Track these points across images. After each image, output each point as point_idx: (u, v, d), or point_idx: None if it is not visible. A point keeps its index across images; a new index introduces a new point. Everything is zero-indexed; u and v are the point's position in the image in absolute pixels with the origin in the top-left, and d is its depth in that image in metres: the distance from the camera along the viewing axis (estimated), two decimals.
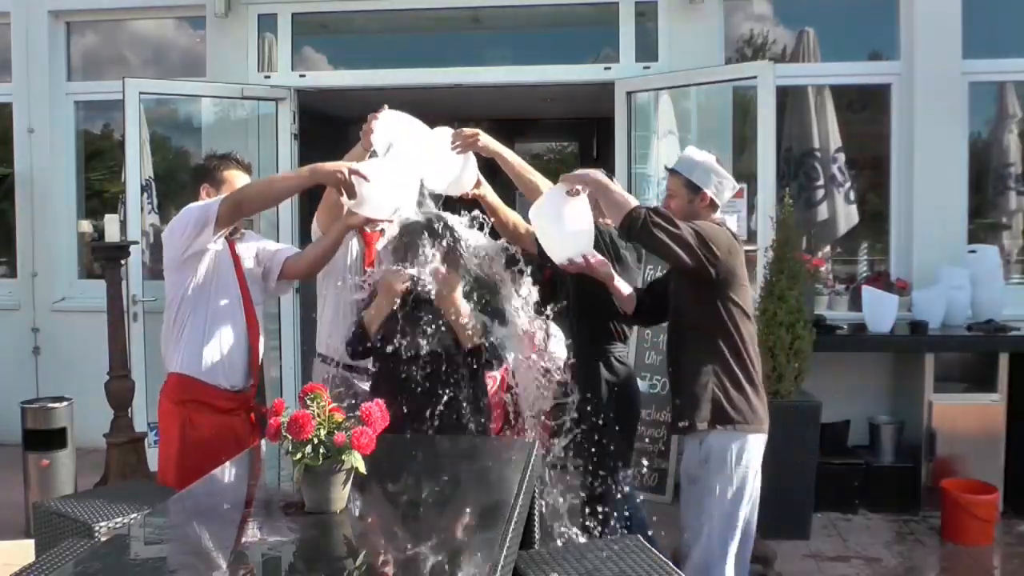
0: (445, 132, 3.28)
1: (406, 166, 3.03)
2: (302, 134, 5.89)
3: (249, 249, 3.25)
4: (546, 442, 3.17)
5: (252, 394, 3.16)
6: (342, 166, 2.87)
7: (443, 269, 2.88)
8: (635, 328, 5.11)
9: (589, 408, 3.15)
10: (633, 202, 2.75)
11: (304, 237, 5.90)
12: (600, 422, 3.13)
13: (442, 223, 2.97)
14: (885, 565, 4.05)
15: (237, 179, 3.15)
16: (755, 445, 2.88)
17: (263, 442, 2.81)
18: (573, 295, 3.17)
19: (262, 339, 3.21)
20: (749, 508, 2.91)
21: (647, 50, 5.49)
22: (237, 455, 2.73)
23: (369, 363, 3.19)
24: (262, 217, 5.69)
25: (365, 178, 2.84)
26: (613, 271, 3.06)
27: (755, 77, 4.91)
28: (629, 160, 5.39)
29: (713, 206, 2.89)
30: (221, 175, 3.15)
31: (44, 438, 4.42)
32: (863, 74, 5.57)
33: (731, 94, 5.38)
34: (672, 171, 2.95)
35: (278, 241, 5.65)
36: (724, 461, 2.84)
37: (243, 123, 5.87)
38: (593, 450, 3.12)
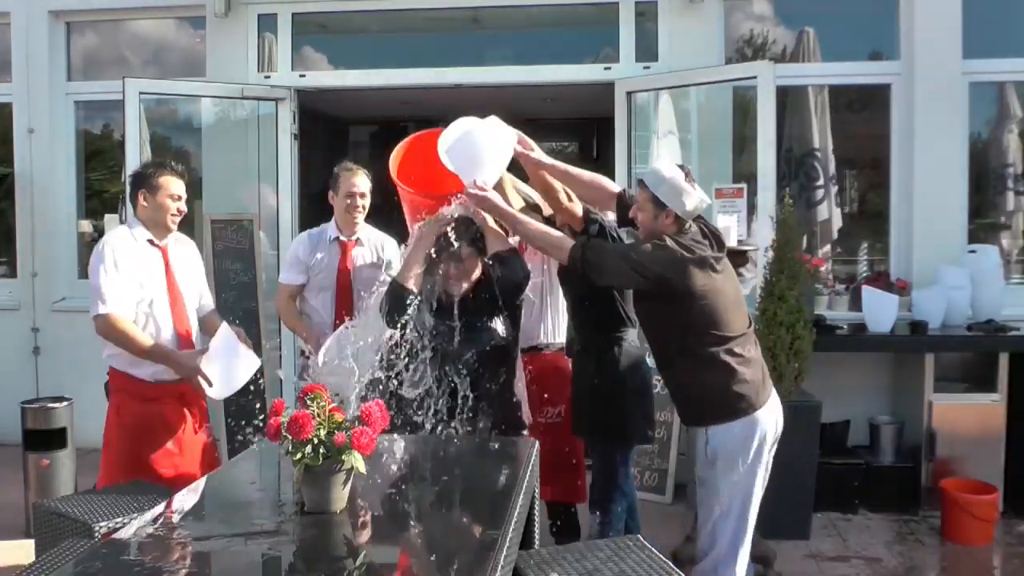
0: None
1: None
2: (302, 134, 5.89)
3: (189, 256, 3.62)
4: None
5: (182, 385, 3.40)
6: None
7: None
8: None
9: (605, 392, 3.22)
10: (567, 242, 2.92)
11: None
12: (619, 406, 3.25)
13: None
14: (885, 565, 4.05)
15: (172, 184, 3.41)
16: (759, 421, 2.91)
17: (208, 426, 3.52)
18: (578, 283, 3.17)
19: (195, 335, 3.53)
20: (764, 475, 3.00)
21: (647, 50, 5.49)
22: (169, 439, 3.35)
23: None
24: (262, 219, 5.70)
25: (209, 383, 3.35)
26: (488, 219, 3.14)
27: (755, 77, 4.91)
28: (629, 160, 5.39)
29: (679, 222, 2.92)
30: (156, 181, 3.40)
31: (44, 438, 4.42)
32: (863, 74, 5.56)
33: (731, 94, 5.38)
34: (641, 182, 2.99)
35: (278, 240, 5.68)
36: (730, 455, 2.90)
37: (243, 123, 5.87)
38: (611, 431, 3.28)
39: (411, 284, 3.00)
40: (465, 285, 3.05)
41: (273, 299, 4.31)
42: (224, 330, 3.46)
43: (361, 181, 3.86)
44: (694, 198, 2.92)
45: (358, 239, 3.88)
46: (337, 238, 3.86)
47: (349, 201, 3.81)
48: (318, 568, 1.91)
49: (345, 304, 3.78)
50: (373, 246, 3.94)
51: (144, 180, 3.41)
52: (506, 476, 2.54)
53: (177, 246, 3.55)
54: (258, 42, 5.83)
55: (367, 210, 3.88)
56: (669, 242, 2.85)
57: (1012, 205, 5.60)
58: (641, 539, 2.57)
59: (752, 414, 2.89)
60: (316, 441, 2.03)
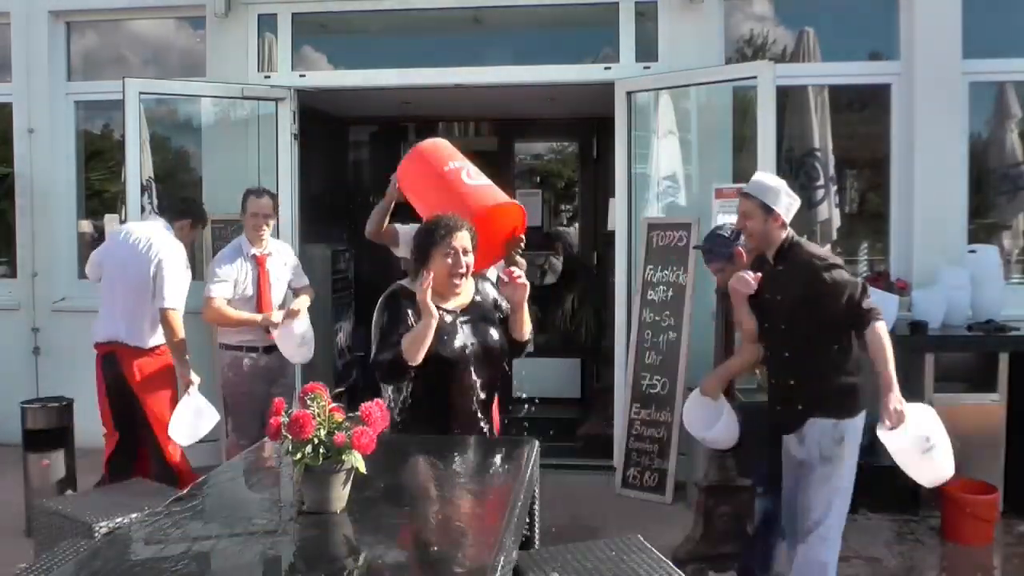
0: None
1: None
2: (302, 134, 5.89)
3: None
4: None
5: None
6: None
7: (517, 274, 2.91)
8: (634, 327, 5.12)
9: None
10: (890, 364, 3.17)
11: (304, 238, 5.91)
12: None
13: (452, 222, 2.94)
14: (885, 565, 4.05)
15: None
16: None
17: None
18: (787, 311, 3.28)
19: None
20: None
21: (647, 50, 5.49)
22: None
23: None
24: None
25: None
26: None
27: (755, 77, 4.91)
28: (629, 160, 5.38)
29: (784, 225, 3.22)
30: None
31: (44, 438, 4.43)
32: (863, 74, 5.57)
33: (731, 94, 5.38)
34: (746, 194, 3.27)
35: (278, 237, 5.67)
36: (855, 439, 3.20)
37: (243, 123, 5.87)
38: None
39: (413, 360, 2.78)
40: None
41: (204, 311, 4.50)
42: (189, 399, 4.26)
43: (265, 200, 4.49)
44: (793, 200, 3.26)
45: (268, 252, 4.52)
46: (255, 255, 4.48)
47: (254, 220, 4.44)
48: (318, 568, 1.91)
49: (265, 307, 4.46)
50: (280, 255, 4.63)
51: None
52: (506, 476, 2.54)
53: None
54: (258, 42, 5.83)
55: (271, 227, 4.55)
56: (832, 259, 3.22)
57: (1012, 205, 5.60)
58: (641, 539, 2.57)
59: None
60: (316, 441, 2.03)
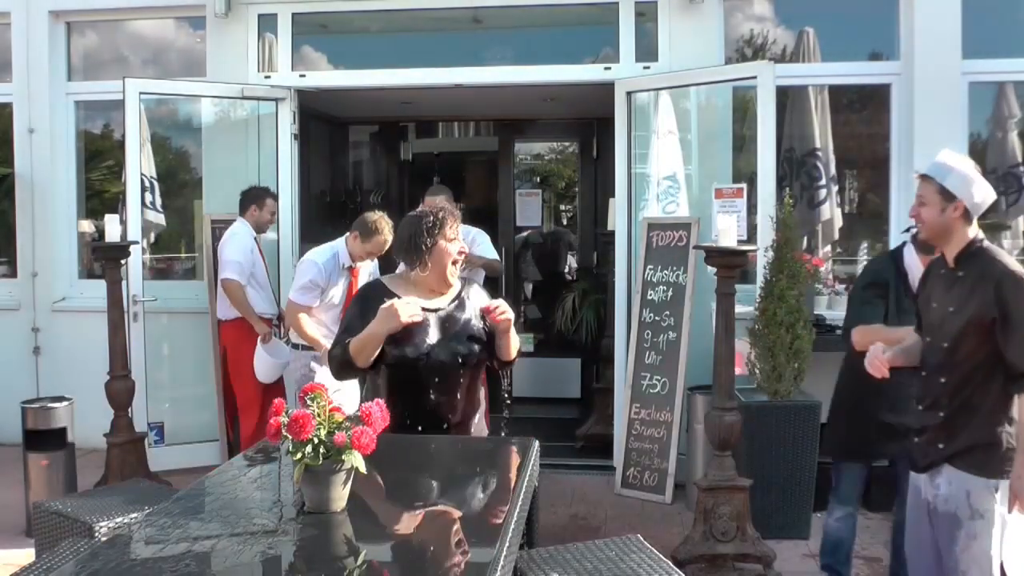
0: None
1: None
2: (302, 134, 5.88)
3: None
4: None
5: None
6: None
7: (501, 309, 2.79)
8: (634, 327, 5.12)
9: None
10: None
11: (303, 237, 5.91)
12: None
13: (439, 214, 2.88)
14: (885, 565, 4.04)
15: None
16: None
17: None
18: (956, 329, 2.71)
19: None
20: None
21: (647, 50, 5.49)
22: None
23: None
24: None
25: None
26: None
27: (755, 77, 4.90)
28: (629, 160, 5.38)
29: (967, 216, 2.64)
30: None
31: (44, 438, 4.42)
32: (863, 74, 5.57)
33: (731, 94, 5.38)
34: (924, 176, 2.71)
35: (278, 240, 5.68)
36: (1003, 504, 2.62)
37: (243, 123, 5.87)
38: None
39: (361, 364, 2.75)
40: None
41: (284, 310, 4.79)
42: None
43: (390, 242, 4.29)
44: (983, 189, 2.64)
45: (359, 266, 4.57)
46: (350, 267, 4.51)
47: (372, 253, 4.48)
48: (318, 568, 1.91)
49: None
50: (367, 270, 4.66)
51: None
52: (506, 476, 2.54)
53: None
54: (258, 42, 5.83)
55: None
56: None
57: (1012, 205, 5.60)
58: (641, 539, 2.57)
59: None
60: (316, 441, 2.03)
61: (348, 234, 4.50)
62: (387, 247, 4.27)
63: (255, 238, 5.26)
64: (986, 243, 2.67)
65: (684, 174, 5.46)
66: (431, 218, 2.84)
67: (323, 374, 4.14)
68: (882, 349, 2.81)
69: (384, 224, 4.35)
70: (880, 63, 5.52)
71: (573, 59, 5.72)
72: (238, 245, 5.12)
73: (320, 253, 4.45)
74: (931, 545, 2.75)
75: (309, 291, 4.39)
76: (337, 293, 4.48)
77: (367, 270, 4.63)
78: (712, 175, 5.31)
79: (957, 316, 2.61)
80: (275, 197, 5.39)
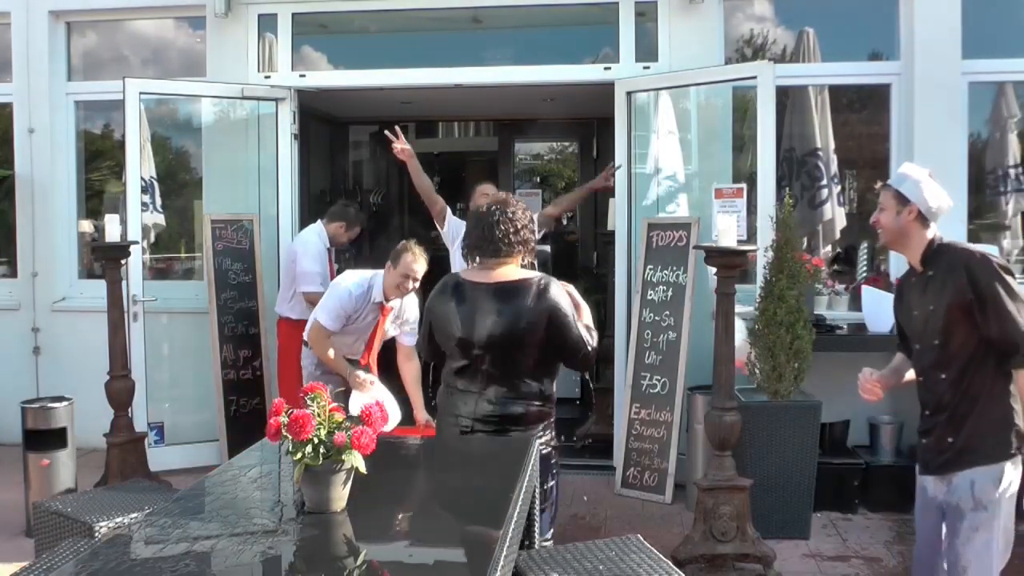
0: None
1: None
2: (302, 134, 5.88)
3: None
4: None
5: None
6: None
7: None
8: (634, 327, 5.12)
9: None
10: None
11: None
12: None
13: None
14: (885, 565, 4.05)
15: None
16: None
17: None
18: (941, 324, 2.80)
19: None
20: None
21: (647, 50, 5.49)
22: None
23: None
24: (262, 219, 5.70)
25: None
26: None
27: (755, 77, 4.90)
28: (629, 160, 5.38)
29: (922, 220, 2.81)
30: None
31: (44, 438, 4.42)
32: (863, 74, 5.57)
33: (731, 94, 5.38)
34: (885, 185, 2.92)
35: (278, 240, 5.69)
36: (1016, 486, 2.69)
37: (243, 123, 5.87)
38: None
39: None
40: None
41: (307, 332, 4.47)
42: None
43: (421, 267, 4.17)
44: (937, 194, 2.82)
45: (394, 307, 4.35)
46: (381, 303, 4.26)
47: (403, 281, 4.15)
48: (318, 568, 1.91)
49: (369, 354, 4.42)
50: (401, 310, 4.42)
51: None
52: (506, 476, 2.54)
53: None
54: (258, 42, 5.83)
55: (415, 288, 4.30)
56: (996, 258, 2.71)
57: (1012, 205, 5.60)
58: (641, 539, 2.57)
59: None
60: (316, 441, 2.03)
61: (332, 224, 4.93)
62: (417, 273, 4.13)
63: (328, 248, 5.29)
64: (946, 239, 2.83)
65: (684, 174, 5.47)
66: (528, 210, 3.09)
67: (356, 398, 4.13)
68: (870, 372, 2.94)
69: (413, 246, 4.17)
70: (880, 63, 5.52)
71: (573, 59, 5.72)
72: (315, 254, 5.12)
73: (357, 284, 4.26)
74: (938, 544, 2.76)
75: (337, 319, 4.21)
76: (360, 324, 4.30)
77: (395, 313, 4.41)
78: (712, 175, 5.31)
79: (938, 311, 2.70)
80: (363, 228, 5.58)
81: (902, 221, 2.81)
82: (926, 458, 2.79)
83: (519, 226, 3.00)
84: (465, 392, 2.98)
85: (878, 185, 2.96)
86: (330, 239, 5.29)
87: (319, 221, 5.35)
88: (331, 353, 4.23)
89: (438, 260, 6.19)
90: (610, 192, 5.53)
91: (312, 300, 4.77)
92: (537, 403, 3.00)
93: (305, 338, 4.38)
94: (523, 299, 2.92)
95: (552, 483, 3.12)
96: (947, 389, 2.70)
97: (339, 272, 4.75)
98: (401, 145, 4.82)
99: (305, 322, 4.46)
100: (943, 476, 2.72)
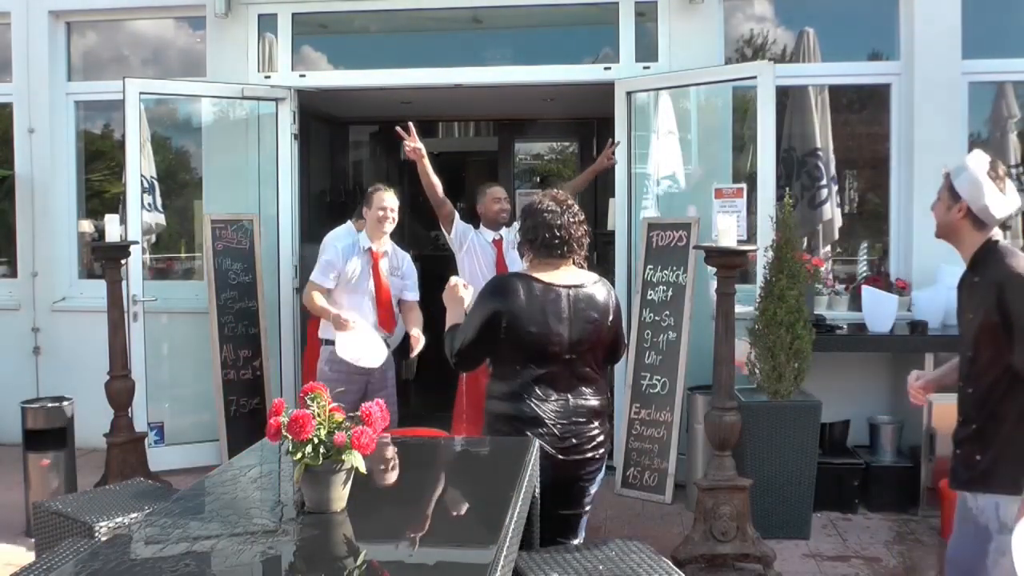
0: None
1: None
2: (302, 134, 5.88)
3: None
4: None
5: None
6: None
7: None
8: (634, 327, 5.12)
9: None
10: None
11: (303, 237, 5.91)
12: None
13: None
14: (885, 565, 4.05)
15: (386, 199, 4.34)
16: None
17: None
18: (973, 335, 2.64)
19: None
20: None
21: (647, 50, 5.49)
22: None
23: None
24: (262, 219, 5.71)
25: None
26: None
27: (755, 77, 4.90)
28: (629, 160, 5.38)
29: (974, 219, 2.53)
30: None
31: (44, 438, 4.42)
32: (863, 74, 5.57)
33: (731, 94, 5.38)
34: (946, 173, 2.65)
35: (278, 240, 5.70)
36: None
37: (243, 123, 5.87)
38: None
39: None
40: None
41: (302, 296, 4.72)
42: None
43: (391, 198, 4.39)
44: (995, 196, 2.50)
45: (385, 252, 4.44)
46: (369, 248, 4.40)
47: (381, 214, 4.35)
48: (318, 568, 1.91)
49: (385, 309, 4.43)
50: (394, 259, 4.53)
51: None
52: (506, 476, 2.54)
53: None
54: (258, 42, 5.83)
55: (394, 224, 4.44)
56: None
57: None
58: (641, 539, 2.57)
59: None
60: (316, 441, 2.03)
61: (363, 214, 4.61)
62: (391, 205, 4.34)
63: (369, 249, 5.05)
64: (1001, 243, 2.55)
65: (684, 174, 5.47)
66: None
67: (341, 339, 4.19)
68: (916, 376, 2.82)
69: (378, 184, 4.48)
70: (880, 63, 5.52)
71: (573, 59, 5.72)
72: (328, 246, 4.89)
73: (339, 236, 4.61)
74: (969, 555, 2.65)
75: (325, 272, 4.35)
76: (357, 276, 4.36)
77: (391, 262, 4.51)
78: (712, 175, 5.32)
79: (974, 322, 2.53)
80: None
81: (952, 217, 2.58)
82: (956, 470, 2.67)
83: (585, 226, 3.05)
84: (545, 399, 2.87)
85: (943, 169, 2.70)
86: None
87: (348, 220, 5.20)
88: (317, 299, 4.30)
89: (436, 260, 6.18)
90: (611, 184, 5.52)
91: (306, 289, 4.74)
92: (607, 398, 3.06)
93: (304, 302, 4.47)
94: (601, 298, 2.98)
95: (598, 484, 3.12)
96: (973, 405, 2.58)
97: None
98: (413, 144, 4.61)
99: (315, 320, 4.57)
100: (971, 493, 2.61)
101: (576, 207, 3.06)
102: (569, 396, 2.92)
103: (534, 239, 2.97)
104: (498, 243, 4.76)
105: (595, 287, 3.01)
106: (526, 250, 3.02)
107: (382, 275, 4.41)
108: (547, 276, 2.94)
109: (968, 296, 2.59)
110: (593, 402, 2.97)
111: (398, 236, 4.98)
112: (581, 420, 2.93)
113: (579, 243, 3.02)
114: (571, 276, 2.99)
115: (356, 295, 4.38)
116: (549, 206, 2.98)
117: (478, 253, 4.73)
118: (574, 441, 2.91)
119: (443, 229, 4.91)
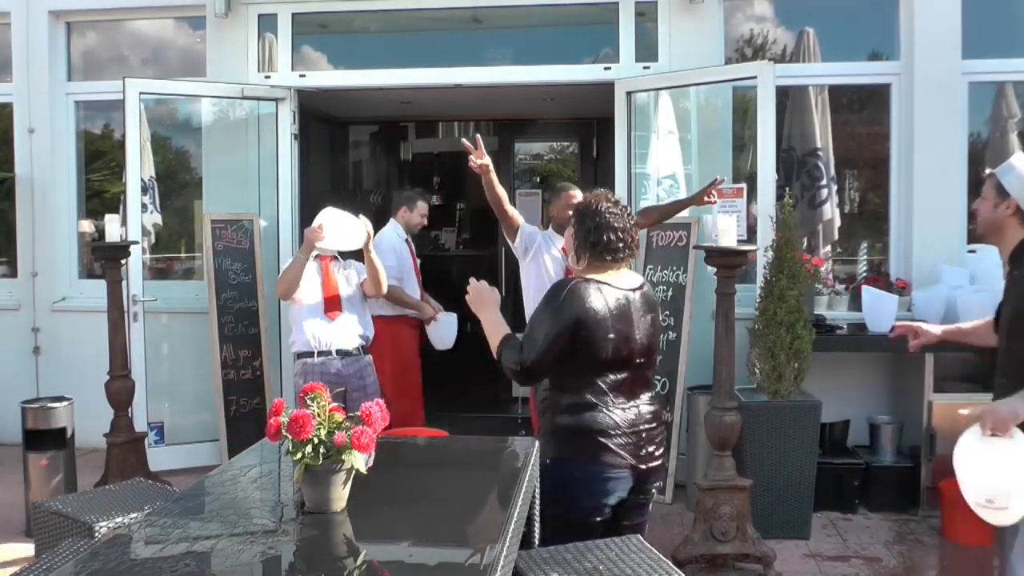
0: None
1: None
2: (302, 134, 5.88)
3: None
4: None
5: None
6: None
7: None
8: None
9: None
10: None
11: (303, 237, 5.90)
12: None
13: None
14: (885, 565, 4.05)
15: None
16: None
17: None
18: (1006, 327, 2.75)
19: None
20: None
21: (647, 50, 5.49)
22: None
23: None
24: (262, 219, 5.71)
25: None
26: None
27: (755, 77, 4.90)
28: (629, 160, 5.39)
29: (1021, 216, 2.59)
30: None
31: (44, 438, 4.42)
32: (863, 74, 5.57)
33: (731, 94, 5.38)
34: (990, 173, 2.75)
35: (279, 240, 5.70)
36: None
37: (243, 123, 5.87)
38: None
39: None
40: None
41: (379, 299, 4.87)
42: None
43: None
44: None
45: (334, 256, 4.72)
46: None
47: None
48: (318, 568, 1.91)
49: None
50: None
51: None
52: (506, 476, 2.54)
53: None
54: (258, 42, 5.83)
55: None
56: None
57: None
58: (641, 539, 2.57)
59: None
60: (316, 441, 2.03)
61: (398, 211, 5.27)
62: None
63: (406, 240, 5.25)
64: None
65: (684, 174, 5.47)
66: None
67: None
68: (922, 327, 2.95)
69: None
70: (880, 63, 5.52)
71: (573, 59, 5.72)
72: (385, 250, 4.96)
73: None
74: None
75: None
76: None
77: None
78: (712, 175, 5.29)
79: (1007, 314, 2.62)
80: (427, 200, 5.52)
81: (999, 215, 2.65)
82: None
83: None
84: (621, 408, 2.79)
85: (986, 172, 2.76)
86: (405, 229, 5.26)
87: (392, 219, 5.34)
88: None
89: (437, 260, 6.23)
90: (611, 184, 5.49)
91: (389, 295, 4.90)
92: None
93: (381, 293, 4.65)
94: (655, 299, 2.99)
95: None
96: (1001, 396, 2.60)
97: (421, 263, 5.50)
98: (480, 160, 3.95)
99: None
100: None
101: (628, 208, 2.97)
102: (638, 402, 2.85)
103: (597, 241, 2.82)
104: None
105: (649, 288, 2.97)
106: (583, 252, 2.86)
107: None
108: (611, 279, 2.84)
109: (1007, 289, 2.68)
110: (655, 406, 2.93)
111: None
112: (652, 426, 2.87)
113: (637, 245, 2.93)
114: (630, 279, 2.91)
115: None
116: (609, 208, 2.85)
117: (547, 264, 4.16)
118: (651, 448, 2.85)
119: (507, 239, 4.45)
